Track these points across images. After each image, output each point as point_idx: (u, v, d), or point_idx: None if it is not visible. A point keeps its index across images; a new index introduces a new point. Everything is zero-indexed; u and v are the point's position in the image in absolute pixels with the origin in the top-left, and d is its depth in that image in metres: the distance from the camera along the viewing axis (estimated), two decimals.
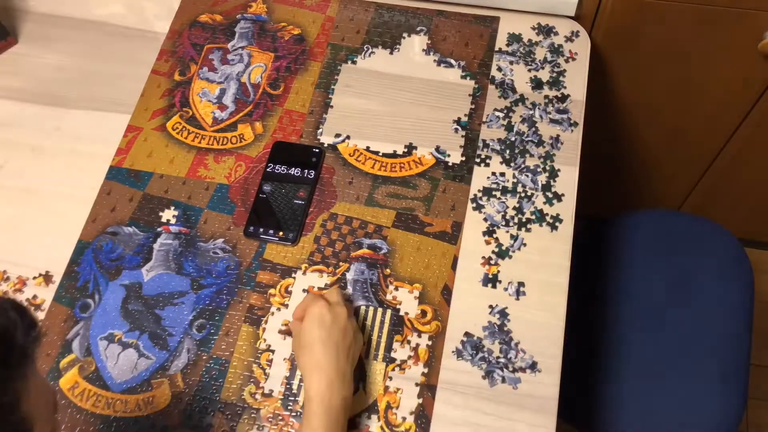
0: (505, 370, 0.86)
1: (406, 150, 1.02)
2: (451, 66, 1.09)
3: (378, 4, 1.16)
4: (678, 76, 1.23)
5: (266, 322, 0.91)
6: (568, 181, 0.99)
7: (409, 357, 0.88)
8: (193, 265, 0.95)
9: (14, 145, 1.06)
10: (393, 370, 0.87)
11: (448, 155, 1.01)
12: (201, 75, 1.11)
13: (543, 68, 1.08)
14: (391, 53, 1.11)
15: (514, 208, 0.97)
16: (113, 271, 0.95)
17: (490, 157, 1.01)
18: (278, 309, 0.92)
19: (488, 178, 0.99)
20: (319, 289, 0.92)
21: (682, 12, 1.09)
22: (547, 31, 1.12)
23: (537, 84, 1.07)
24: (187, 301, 0.92)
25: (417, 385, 0.86)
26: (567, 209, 0.97)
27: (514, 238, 0.95)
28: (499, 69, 1.09)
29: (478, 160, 1.01)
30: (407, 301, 0.91)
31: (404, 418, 0.84)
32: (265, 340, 0.90)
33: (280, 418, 0.85)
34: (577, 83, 1.07)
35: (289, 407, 0.86)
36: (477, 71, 1.08)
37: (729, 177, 1.45)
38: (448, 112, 1.05)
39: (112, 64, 1.13)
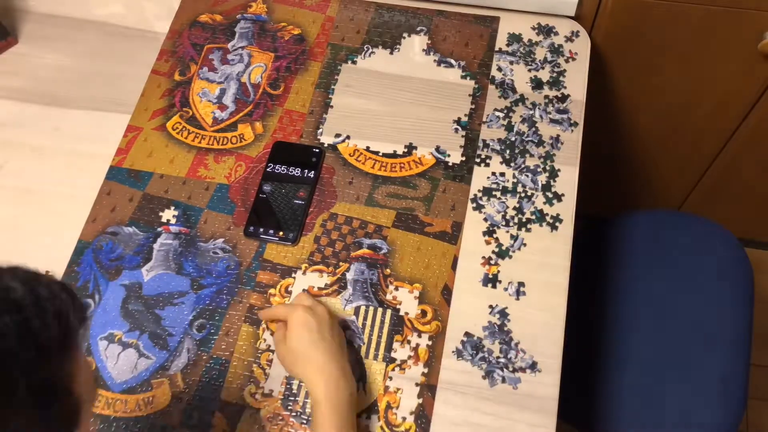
0: (505, 370, 0.86)
1: (406, 150, 1.02)
2: (451, 66, 1.09)
3: (378, 4, 1.16)
4: (678, 76, 1.23)
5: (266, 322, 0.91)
6: (568, 181, 0.99)
7: (409, 357, 0.88)
8: (193, 265, 0.95)
9: (14, 145, 1.06)
10: (393, 370, 0.87)
11: (448, 155, 1.01)
12: (201, 75, 1.11)
13: (543, 68, 1.08)
14: (391, 53, 1.11)
15: (514, 208, 0.97)
16: (113, 271, 0.95)
17: (490, 157, 1.01)
18: None
19: (488, 178, 0.99)
20: (319, 289, 0.93)
21: (683, 12, 1.09)
22: (547, 31, 1.12)
23: (537, 84, 1.07)
24: (187, 301, 0.92)
25: (417, 385, 0.86)
26: (567, 209, 0.97)
27: (514, 238, 0.95)
28: (499, 69, 1.08)
29: (478, 160, 1.01)
30: (407, 301, 0.91)
31: (404, 418, 0.84)
32: (265, 340, 0.90)
33: (280, 418, 0.85)
34: (577, 83, 1.07)
35: (289, 407, 0.86)
36: (477, 71, 1.08)
37: (729, 177, 1.45)
38: (448, 112, 1.05)
39: (112, 64, 1.13)
